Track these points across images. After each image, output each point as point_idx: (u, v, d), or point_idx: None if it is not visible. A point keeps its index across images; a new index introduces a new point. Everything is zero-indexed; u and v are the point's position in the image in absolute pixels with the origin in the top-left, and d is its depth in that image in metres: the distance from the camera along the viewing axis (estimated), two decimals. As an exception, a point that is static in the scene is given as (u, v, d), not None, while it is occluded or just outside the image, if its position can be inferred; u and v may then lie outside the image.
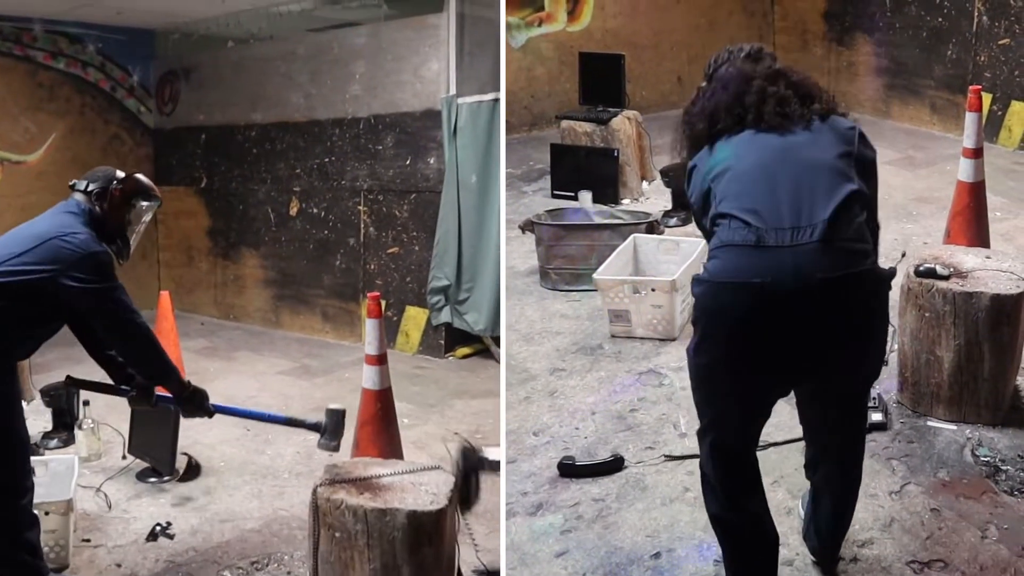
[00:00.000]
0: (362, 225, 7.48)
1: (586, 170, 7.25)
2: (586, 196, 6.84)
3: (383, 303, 7.11)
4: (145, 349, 3.66)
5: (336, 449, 3.92)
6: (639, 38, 9.26)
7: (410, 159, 7.15)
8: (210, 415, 3.86)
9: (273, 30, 8.23)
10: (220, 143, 8.64)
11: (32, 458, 4.31)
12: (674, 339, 5.16)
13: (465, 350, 7.10)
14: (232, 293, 8.61)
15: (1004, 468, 3.87)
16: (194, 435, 5.44)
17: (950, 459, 3.94)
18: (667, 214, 6.80)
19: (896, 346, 4.39)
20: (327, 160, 7.72)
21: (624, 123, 7.42)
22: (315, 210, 7.84)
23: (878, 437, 4.09)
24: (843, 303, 2.74)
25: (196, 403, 3.80)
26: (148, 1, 7.61)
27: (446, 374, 6.73)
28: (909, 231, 6.29)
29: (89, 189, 3.66)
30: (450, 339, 7.08)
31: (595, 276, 5.38)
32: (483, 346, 7.04)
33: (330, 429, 3.92)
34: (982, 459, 3.93)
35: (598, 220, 6.26)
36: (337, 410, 3.95)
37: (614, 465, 4.02)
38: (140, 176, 3.88)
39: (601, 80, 7.62)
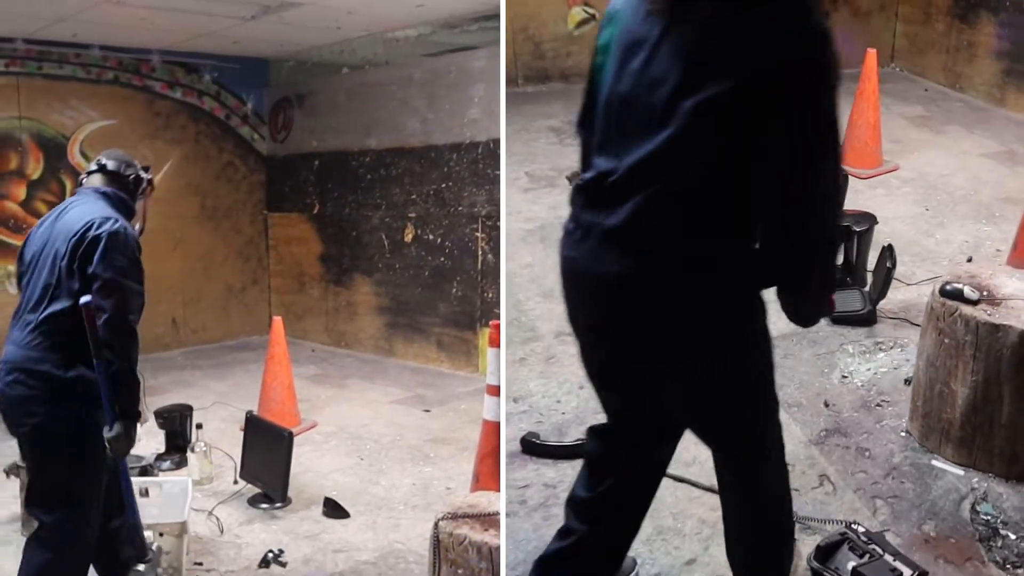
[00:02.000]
0: (480, 252, 7.27)
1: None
2: None
3: (500, 332, 6.92)
4: None
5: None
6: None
7: (531, 184, 6.92)
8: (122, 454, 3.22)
9: (388, 56, 8.13)
10: (333, 169, 8.56)
11: (147, 479, 4.26)
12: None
13: (585, 382, 6.81)
14: (344, 320, 8.48)
15: (1003, 533, 3.29)
16: (306, 462, 5.36)
17: (944, 510, 3.40)
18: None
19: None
20: (444, 185, 7.54)
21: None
22: (431, 236, 7.66)
23: (869, 468, 3.63)
24: (646, 313, 2.13)
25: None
26: (263, 31, 7.55)
27: (564, 406, 6.45)
28: (985, 234, 5.67)
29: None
30: (571, 370, 6.80)
31: None
32: (604, 378, 6.74)
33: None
34: (981, 517, 3.36)
35: None
36: None
37: (577, 450, 3.60)
38: None
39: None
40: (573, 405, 4.03)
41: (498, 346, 4.39)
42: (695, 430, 2.52)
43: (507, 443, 3.82)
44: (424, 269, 7.73)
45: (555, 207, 5.91)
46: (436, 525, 3.37)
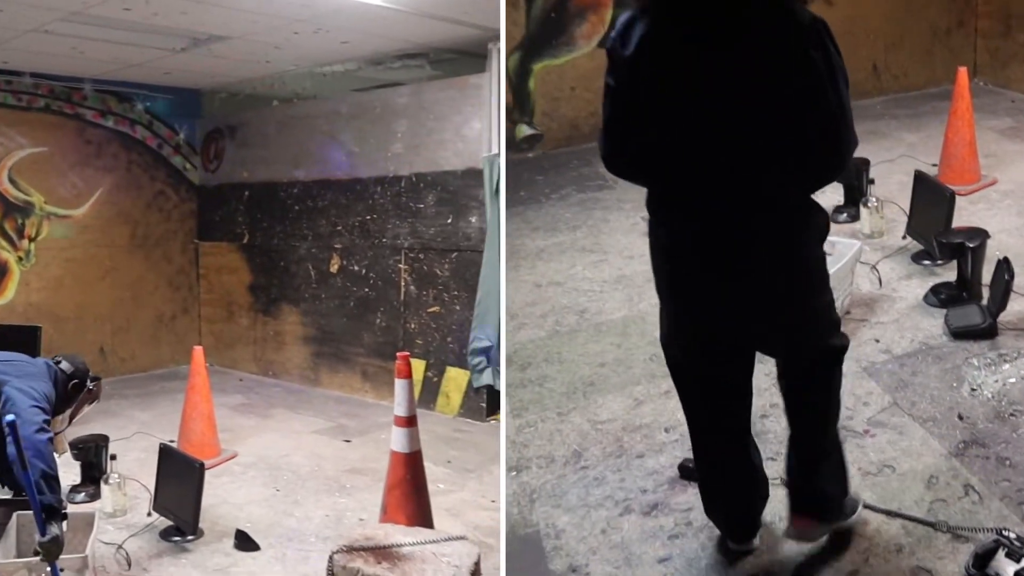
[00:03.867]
0: (403, 283, 7.40)
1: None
2: None
3: (425, 363, 7.07)
4: None
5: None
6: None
7: (451, 217, 7.07)
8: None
9: (317, 90, 8.27)
10: (263, 200, 8.65)
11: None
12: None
13: (506, 413, 6.95)
14: (272, 349, 8.55)
15: None
16: (223, 494, 5.40)
17: None
18: (838, 209, 6.20)
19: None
20: (368, 218, 7.66)
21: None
22: (356, 267, 7.77)
23: (1012, 476, 3.68)
24: None
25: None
26: (193, 62, 7.68)
27: (486, 438, 6.58)
28: None
29: None
30: (492, 402, 6.91)
31: None
32: (524, 409, 6.88)
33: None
34: None
35: None
36: None
37: None
38: None
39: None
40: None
41: (405, 377, 4.55)
42: None
43: (660, 472, 3.89)
44: (349, 299, 7.83)
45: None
46: (331, 558, 3.46)
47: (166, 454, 5.06)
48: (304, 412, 7.32)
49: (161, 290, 9.04)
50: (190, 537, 4.73)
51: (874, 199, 5.75)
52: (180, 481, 4.81)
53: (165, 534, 4.77)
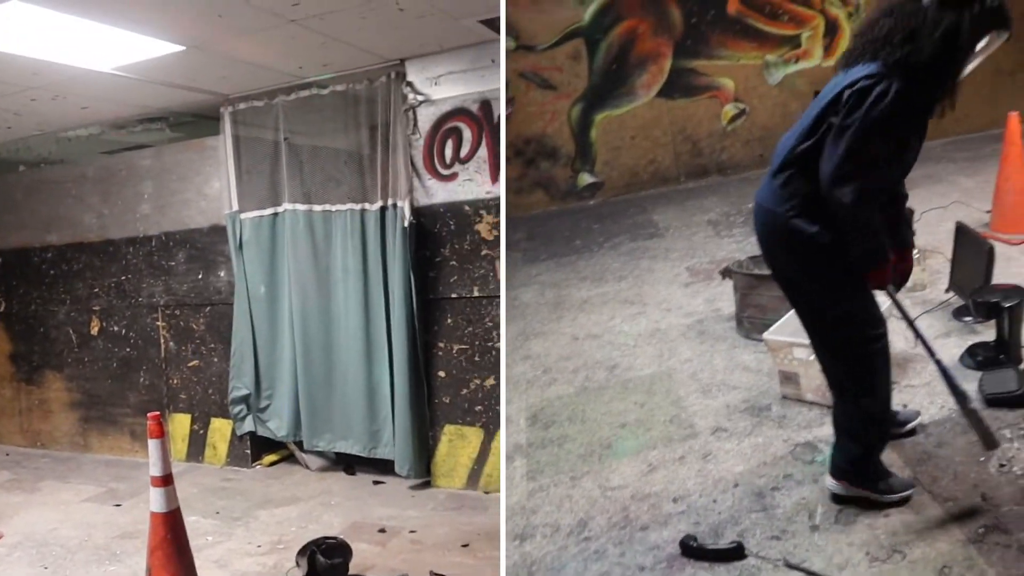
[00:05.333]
0: (162, 340, 7.53)
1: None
2: None
3: (190, 417, 7.22)
4: None
5: None
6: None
7: (202, 273, 7.26)
8: None
9: (64, 154, 8.25)
10: (17, 266, 8.55)
11: None
12: (843, 407, 4.44)
13: (272, 457, 7.18)
14: (38, 419, 8.45)
15: None
16: (-10, 579, 5.24)
17: None
18: None
19: None
20: (124, 278, 7.75)
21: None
22: (116, 328, 7.83)
23: None
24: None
25: None
26: (-69, 126, 7.54)
27: (253, 484, 6.75)
28: None
29: None
30: (256, 447, 7.14)
31: (765, 336, 4.85)
32: (288, 452, 7.13)
33: None
34: None
35: None
36: None
37: (733, 554, 3.61)
38: None
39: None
40: (728, 504, 3.96)
41: (157, 436, 4.58)
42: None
43: (662, 547, 3.79)
44: (112, 360, 7.88)
45: (712, 300, 6.06)
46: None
47: (-81, 545, 5.01)
48: (74, 480, 7.26)
49: (-83, 367, 8.79)
50: (-46, 625, 4.73)
51: (915, 251, 5.02)
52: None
53: (-71, 624, 4.75)
